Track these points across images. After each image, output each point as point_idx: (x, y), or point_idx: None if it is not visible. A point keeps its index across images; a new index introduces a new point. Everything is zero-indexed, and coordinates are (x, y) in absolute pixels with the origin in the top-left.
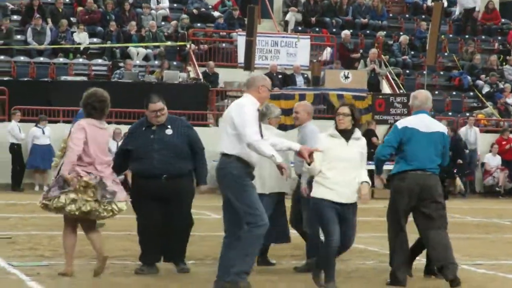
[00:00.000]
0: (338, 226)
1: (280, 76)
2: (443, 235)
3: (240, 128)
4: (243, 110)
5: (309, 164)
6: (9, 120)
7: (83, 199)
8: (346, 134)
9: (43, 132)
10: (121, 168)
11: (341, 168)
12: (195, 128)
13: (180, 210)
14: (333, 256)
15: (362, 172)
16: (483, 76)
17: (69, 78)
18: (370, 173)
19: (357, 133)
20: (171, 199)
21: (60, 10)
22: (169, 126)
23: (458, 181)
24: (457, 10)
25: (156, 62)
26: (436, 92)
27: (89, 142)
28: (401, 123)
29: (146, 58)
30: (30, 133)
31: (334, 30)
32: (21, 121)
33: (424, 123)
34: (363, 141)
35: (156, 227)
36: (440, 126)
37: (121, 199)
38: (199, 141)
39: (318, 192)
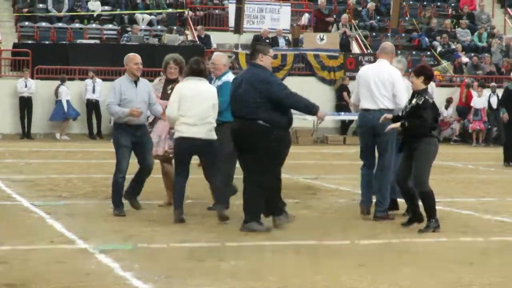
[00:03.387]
0: None
1: (267, 40)
2: None
3: (399, 93)
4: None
5: None
6: (32, 78)
7: None
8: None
9: (68, 89)
10: None
11: None
12: None
13: None
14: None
15: None
16: (438, 37)
17: (84, 41)
18: (343, 123)
19: None
20: None
21: None
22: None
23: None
24: None
25: (159, 27)
26: (399, 52)
27: None
28: None
29: (150, 23)
30: (59, 90)
31: None
32: (43, 78)
33: None
34: None
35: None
36: None
37: None
38: None
39: None
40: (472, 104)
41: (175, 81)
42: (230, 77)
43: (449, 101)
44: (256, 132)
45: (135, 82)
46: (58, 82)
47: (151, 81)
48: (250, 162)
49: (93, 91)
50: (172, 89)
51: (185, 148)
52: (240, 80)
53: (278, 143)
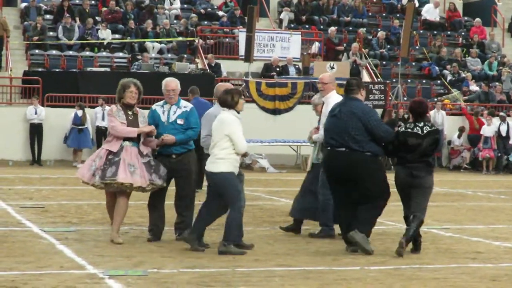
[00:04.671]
0: None
1: (278, 69)
2: None
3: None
4: None
5: None
6: (42, 105)
7: None
8: None
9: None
10: None
11: None
12: None
13: None
14: None
15: None
16: (448, 66)
17: (95, 69)
18: None
19: None
20: None
21: (87, 10)
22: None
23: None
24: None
25: (170, 55)
26: (409, 80)
27: None
28: None
29: (160, 51)
30: (88, 118)
31: (321, 27)
32: (53, 106)
33: None
34: None
35: None
36: None
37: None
38: None
39: None
40: (481, 132)
41: (133, 106)
42: (188, 104)
43: (461, 130)
44: (363, 162)
45: None
46: (72, 110)
47: None
48: (358, 190)
49: (103, 118)
50: (133, 115)
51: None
52: (339, 112)
53: (381, 169)
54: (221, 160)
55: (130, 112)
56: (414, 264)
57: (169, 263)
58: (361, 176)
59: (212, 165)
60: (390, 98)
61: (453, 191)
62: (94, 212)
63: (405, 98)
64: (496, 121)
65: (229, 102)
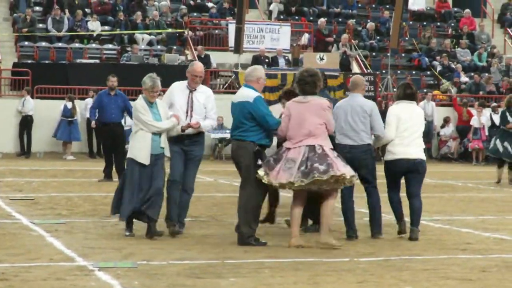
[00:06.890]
0: None
1: (267, 60)
2: None
3: None
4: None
5: None
6: (32, 97)
7: None
8: None
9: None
10: None
11: None
12: None
13: None
14: None
15: None
16: (438, 57)
17: (84, 60)
18: None
19: None
20: None
21: (76, 1)
22: None
23: None
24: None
25: (159, 47)
26: (399, 72)
27: None
28: None
29: (150, 43)
30: (78, 110)
31: (311, 18)
32: (42, 98)
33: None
34: None
35: None
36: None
37: None
38: None
39: None
40: (471, 123)
41: None
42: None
43: (446, 121)
44: None
45: None
46: (61, 102)
47: None
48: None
49: None
50: None
51: (401, 167)
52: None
53: None
54: (423, 149)
55: None
56: (404, 255)
57: (159, 255)
58: None
59: (422, 153)
60: (380, 89)
61: (443, 182)
62: (84, 204)
63: (395, 89)
64: (486, 112)
65: (416, 96)
